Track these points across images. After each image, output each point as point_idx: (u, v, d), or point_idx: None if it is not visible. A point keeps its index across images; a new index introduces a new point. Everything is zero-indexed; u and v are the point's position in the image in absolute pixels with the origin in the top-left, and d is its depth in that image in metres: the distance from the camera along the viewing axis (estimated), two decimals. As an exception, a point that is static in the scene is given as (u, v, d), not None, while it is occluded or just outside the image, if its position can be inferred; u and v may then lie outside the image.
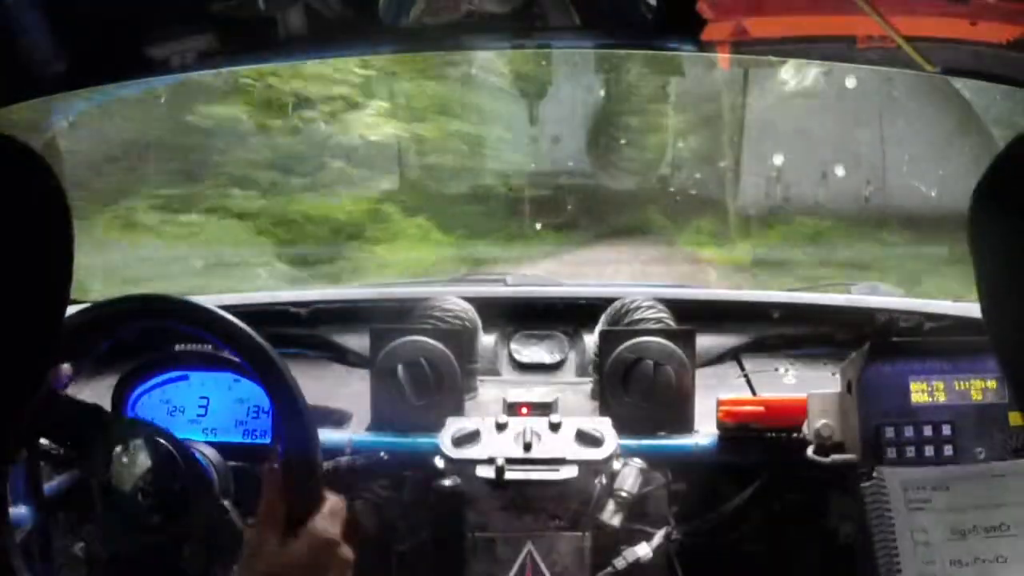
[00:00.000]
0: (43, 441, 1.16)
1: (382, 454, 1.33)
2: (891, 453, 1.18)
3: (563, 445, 1.26)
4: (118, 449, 1.09)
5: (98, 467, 1.09)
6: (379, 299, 1.70)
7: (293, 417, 1.09)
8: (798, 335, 1.62)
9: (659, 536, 1.27)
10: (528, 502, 1.23)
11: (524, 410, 1.34)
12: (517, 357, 1.61)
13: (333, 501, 1.04)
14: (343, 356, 1.60)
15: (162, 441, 1.12)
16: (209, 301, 1.18)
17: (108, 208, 3.64)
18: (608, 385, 1.39)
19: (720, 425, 1.32)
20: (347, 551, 1.00)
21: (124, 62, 1.16)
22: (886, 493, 1.11)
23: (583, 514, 1.23)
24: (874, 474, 1.14)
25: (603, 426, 1.28)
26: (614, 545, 1.25)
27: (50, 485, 1.20)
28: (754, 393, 1.48)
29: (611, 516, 1.23)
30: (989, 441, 1.19)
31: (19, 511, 1.10)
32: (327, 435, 1.29)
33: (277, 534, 0.97)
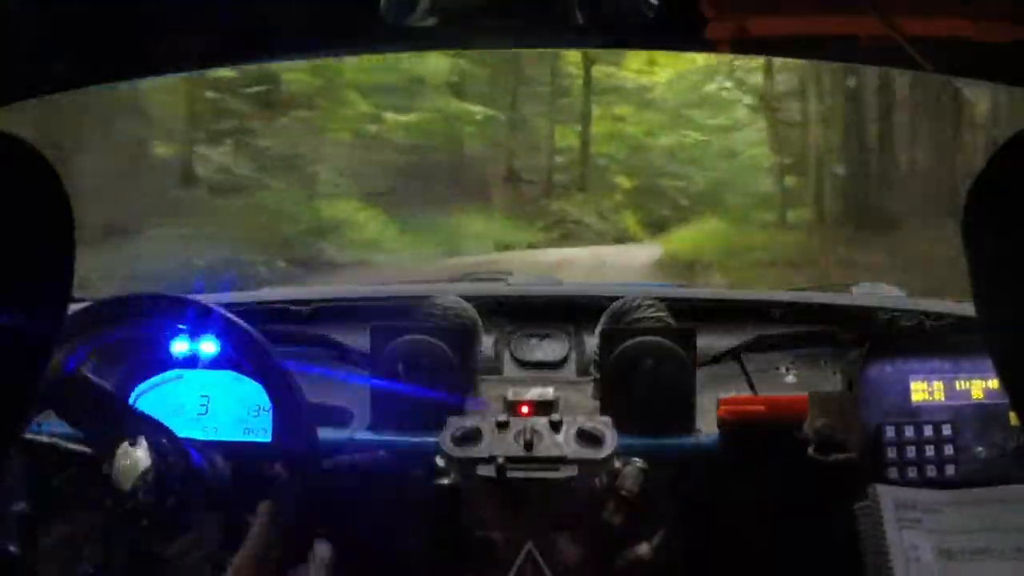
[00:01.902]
0: (44, 440, 1.16)
1: (382, 453, 1.33)
2: (891, 452, 1.19)
3: (564, 444, 1.25)
4: (122, 446, 1.09)
5: (103, 455, 1.09)
6: (380, 297, 1.71)
7: (292, 416, 1.10)
8: (799, 334, 1.62)
9: (659, 536, 1.27)
10: (529, 501, 1.23)
11: (525, 409, 1.34)
12: (518, 356, 1.61)
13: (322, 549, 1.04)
14: (344, 354, 1.60)
15: (164, 439, 1.12)
16: (209, 300, 1.18)
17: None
18: (609, 384, 1.39)
19: (721, 424, 1.32)
20: None
21: (124, 62, 1.16)
22: (879, 511, 1.12)
23: (584, 513, 1.23)
24: (868, 491, 1.15)
25: (604, 425, 1.28)
26: (614, 545, 1.25)
27: (49, 483, 1.19)
28: (755, 392, 1.48)
29: (612, 515, 1.22)
30: (990, 441, 1.19)
31: (18, 508, 1.10)
32: (327, 434, 1.29)
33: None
